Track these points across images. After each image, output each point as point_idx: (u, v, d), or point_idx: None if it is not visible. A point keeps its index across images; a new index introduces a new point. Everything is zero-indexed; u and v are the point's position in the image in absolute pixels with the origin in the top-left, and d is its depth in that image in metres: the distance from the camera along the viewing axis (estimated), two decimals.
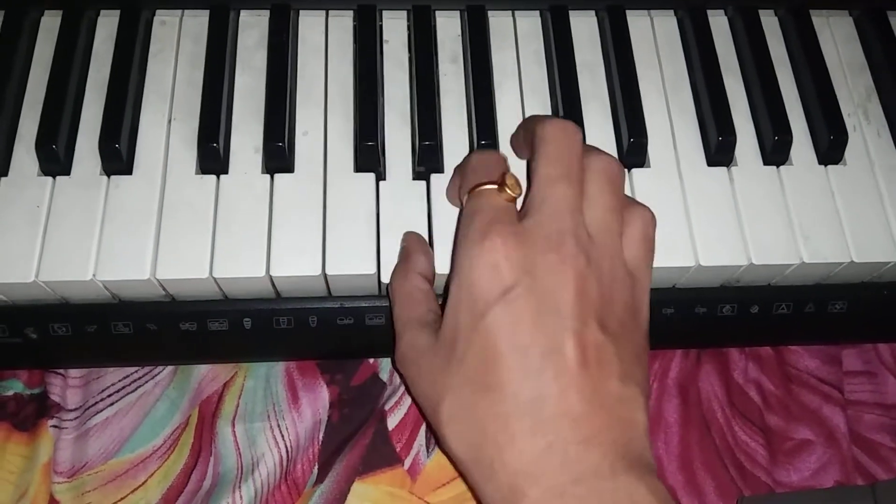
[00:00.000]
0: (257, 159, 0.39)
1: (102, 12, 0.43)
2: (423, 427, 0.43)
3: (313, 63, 0.42)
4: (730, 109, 0.41)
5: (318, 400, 0.43)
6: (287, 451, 0.42)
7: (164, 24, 0.43)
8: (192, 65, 0.42)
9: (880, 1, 0.46)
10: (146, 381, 0.44)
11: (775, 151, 0.41)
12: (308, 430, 0.43)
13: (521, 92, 0.42)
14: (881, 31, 0.45)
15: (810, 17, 0.45)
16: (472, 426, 0.31)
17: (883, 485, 0.42)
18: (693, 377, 0.46)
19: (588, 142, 0.40)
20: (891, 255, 0.39)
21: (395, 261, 0.37)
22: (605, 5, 0.44)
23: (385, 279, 0.37)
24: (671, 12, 0.45)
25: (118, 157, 0.38)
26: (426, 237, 0.38)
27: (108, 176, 0.38)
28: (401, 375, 0.36)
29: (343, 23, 0.44)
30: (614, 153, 0.41)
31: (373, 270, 0.37)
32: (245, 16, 0.44)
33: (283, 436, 0.42)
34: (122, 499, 0.41)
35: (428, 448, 0.42)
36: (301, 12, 0.44)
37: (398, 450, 0.42)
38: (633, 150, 0.40)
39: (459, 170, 0.37)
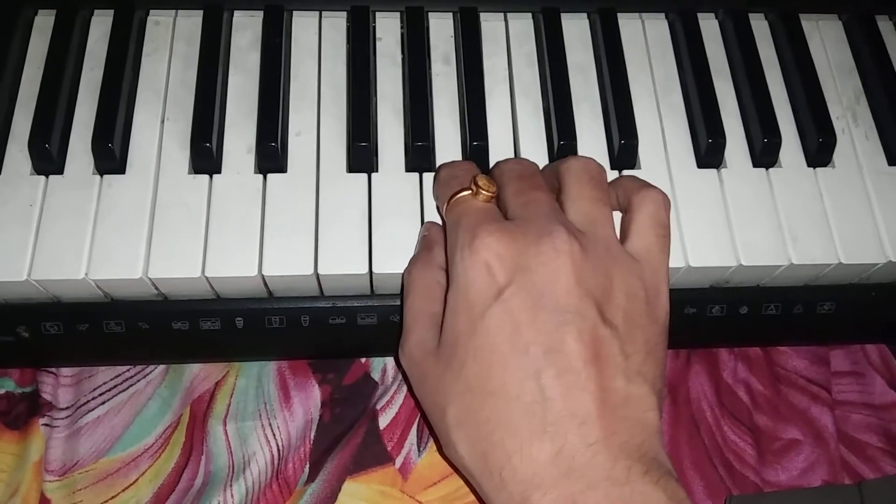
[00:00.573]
0: (250, 159, 0.39)
1: (96, 12, 0.43)
2: (415, 426, 0.43)
3: (307, 63, 0.43)
4: (719, 112, 0.42)
5: (309, 399, 0.44)
6: (278, 450, 0.42)
7: (158, 24, 0.43)
8: (185, 65, 0.42)
9: (869, 5, 0.46)
10: (138, 380, 0.44)
11: (764, 154, 0.41)
12: (299, 429, 0.43)
13: (512, 93, 0.43)
14: (870, 34, 0.45)
15: (800, 21, 0.45)
16: (479, 433, 0.30)
17: (869, 484, 0.42)
18: (683, 377, 0.46)
19: (579, 144, 0.41)
20: (878, 256, 0.39)
21: (387, 261, 0.37)
22: (596, 8, 0.45)
23: (377, 279, 0.38)
24: (662, 15, 0.46)
25: (111, 156, 0.38)
26: (418, 228, 0.38)
27: (101, 175, 0.39)
28: (401, 370, 0.35)
29: (336, 23, 0.44)
30: (605, 155, 0.41)
31: (365, 270, 0.37)
32: (238, 16, 0.44)
33: (274, 435, 0.43)
34: (113, 497, 0.41)
35: (419, 447, 0.43)
36: (294, 13, 0.44)
37: (389, 449, 0.42)
38: (624, 152, 0.40)
39: (435, 186, 0.37)
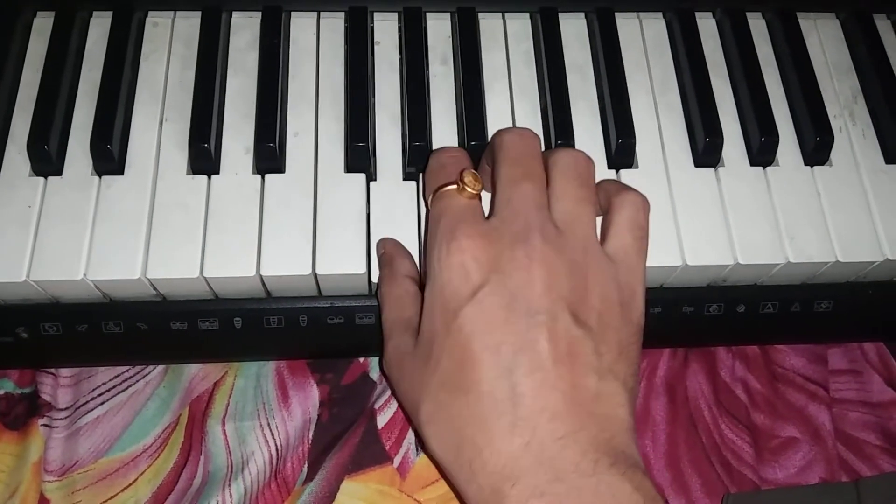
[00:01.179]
0: (248, 160, 0.40)
1: (95, 13, 0.43)
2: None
3: (305, 64, 0.43)
4: (717, 111, 0.42)
5: (308, 399, 0.44)
6: (277, 450, 0.42)
7: (157, 25, 0.43)
8: (184, 66, 0.42)
9: (867, 3, 0.46)
10: (137, 381, 0.44)
11: (762, 152, 0.41)
12: (298, 429, 0.43)
13: (510, 92, 0.43)
14: (867, 33, 0.45)
15: (797, 20, 0.45)
16: (451, 428, 0.31)
17: (866, 481, 0.42)
18: (680, 376, 0.46)
19: (577, 143, 0.41)
20: (875, 254, 0.40)
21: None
22: (594, 7, 0.45)
23: (375, 279, 0.38)
24: (660, 14, 0.46)
25: (110, 157, 0.38)
26: (416, 236, 0.38)
27: (100, 176, 0.39)
28: (387, 378, 0.36)
29: (334, 24, 0.44)
30: (602, 153, 0.41)
31: (363, 270, 0.37)
32: (237, 17, 0.44)
33: (272, 434, 0.43)
34: (112, 497, 0.41)
35: (417, 446, 0.43)
36: (293, 14, 0.44)
37: (388, 448, 0.43)
38: (622, 151, 0.41)
39: (423, 174, 0.37)
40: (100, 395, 0.43)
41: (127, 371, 0.44)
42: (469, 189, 0.33)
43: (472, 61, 0.42)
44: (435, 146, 0.41)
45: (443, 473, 0.32)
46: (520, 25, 0.45)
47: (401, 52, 0.43)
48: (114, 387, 0.44)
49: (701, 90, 0.42)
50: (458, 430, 0.30)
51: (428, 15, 0.45)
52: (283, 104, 0.41)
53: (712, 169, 0.41)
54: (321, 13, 0.44)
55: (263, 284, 0.38)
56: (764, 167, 0.41)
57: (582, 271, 0.32)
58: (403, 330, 0.35)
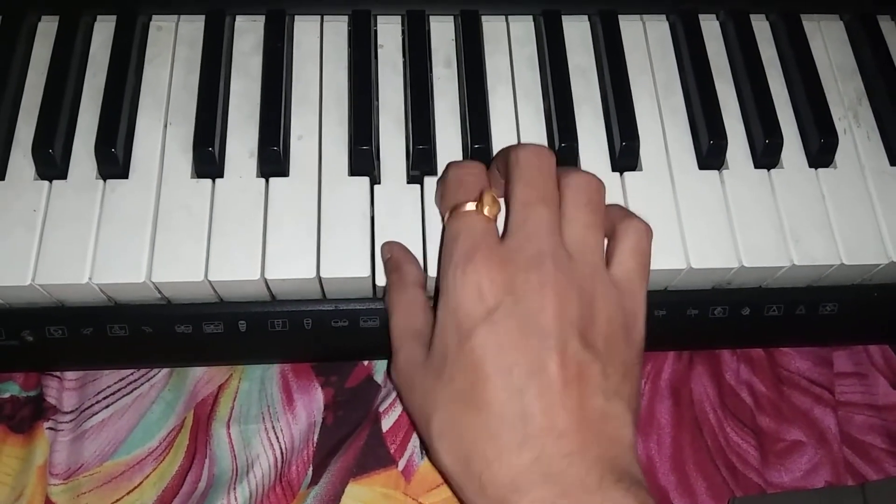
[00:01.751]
0: (252, 163, 0.40)
1: (99, 17, 0.43)
2: None
3: (308, 68, 0.43)
4: (721, 113, 0.42)
5: (312, 402, 0.44)
6: (282, 453, 0.42)
7: (161, 29, 0.43)
8: (188, 69, 0.42)
9: (871, 5, 0.46)
10: (142, 384, 0.44)
11: (766, 155, 0.41)
12: (303, 432, 0.43)
13: (514, 95, 0.43)
14: (871, 35, 0.45)
15: (801, 22, 0.45)
16: (461, 441, 0.32)
17: (872, 485, 0.42)
18: (685, 379, 0.46)
19: (580, 145, 0.41)
20: (880, 257, 0.39)
21: None
22: (597, 10, 0.45)
23: (380, 282, 0.38)
24: (663, 17, 0.46)
25: (114, 161, 0.38)
26: (420, 239, 0.38)
27: (105, 180, 0.39)
28: (395, 387, 0.37)
29: (338, 28, 0.44)
30: (606, 156, 0.41)
31: (367, 273, 0.37)
32: (241, 21, 0.44)
33: (277, 437, 0.43)
34: (117, 500, 0.41)
35: (422, 450, 0.43)
36: (296, 17, 0.44)
37: (392, 451, 0.43)
38: (625, 154, 0.40)
39: (440, 183, 0.38)
40: (105, 398, 0.44)
41: (132, 374, 0.44)
42: (487, 212, 0.34)
43: (475, 64, 0.42)
44: (439, 149, 0.41)
45: (450, 484, 0.33)
46: (523, 28, 0.45)
47: (404, 55, 0.43)
48: (119, 390, 0.44)
49: (705, 92, 0.42)
50: (469, 444, 0.31)
51: (431, 18, 0.45)
52: (286, 108, 0.41)
53: (716, 171, 0.41)
54: (324, 17, 0.44)
55: (268, 288, 0.38)
56: (768, 169, 0.41)
57: (590, 296, 0.33)
58: (413, 339, 0.35)
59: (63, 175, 0.39)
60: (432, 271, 0.37)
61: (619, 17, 0.45)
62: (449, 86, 0.43)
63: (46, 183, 0.38)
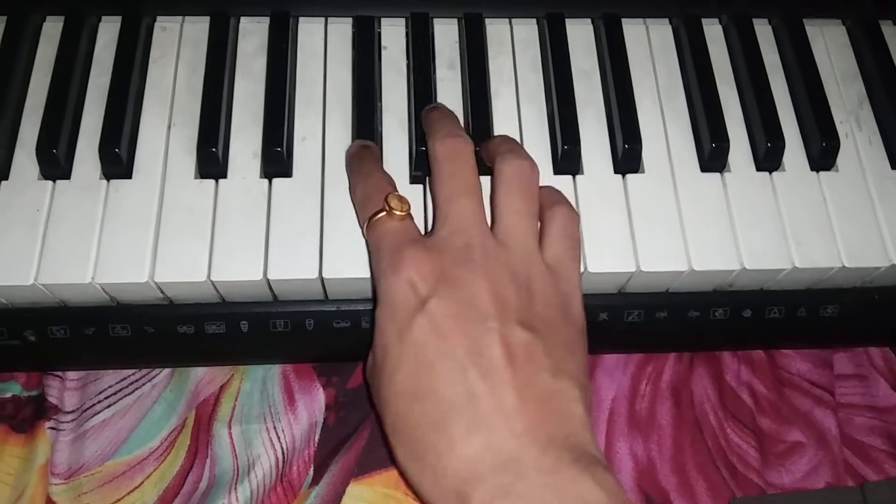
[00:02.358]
0: (256, 164, 0.40)
1: (104, 18, 0.44)
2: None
3: (312, 69, 0.43)
4: (723, 116, 0.42)
5: (314, 402, 0.44)
6: (283, 453, 0.42)
7: (165, 30, 0.44)
8: (192, 70, 0.42)
9: (873, 10, 0.47)
10: (143, 384, 0.44)
11: (768, 158, 0.41)
12: (304, 432, 0.43)
13: (517, 98, 0.43)
14: (873, 39, 0.45)
15: (804, 26, 0.46)
16: (411, 437, 0.31)
17: (872, 485, 0.42)
18: (686, 380, 0.46)
19: (584, 148, 0.41)
20: (882, 260, 0.40)
21: None
22: (601, 13, 0.45)
23: None
24: (666, 20, 0.46)
25: (118, 161, 0.39)
26: None
27: (108, 180, 0.39)
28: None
29: (342, 30, 0.44)
30: (609, 158, 0.41)
31: (369, 274, 0.37)
32: (245, 22, 0.44)
33: (279, 438, 0.43)
34: (118, 500, 0.41)
35: None
36: (301, 19, 0.44)
37: None
38: (628, 156, 0.41)
39: (354, 204, 0.38)
40: (106, 398, 0.44)
41: (133, 374, 0.44)
42: (398, 212, 0.34)
43: (479, 66, 0.43)
44: None
45: (410, 486, 0.33)
46: (527, 31, 0.45)
47: (408, 57, 0.43)
48: (120, 390, 0.44)
49: (707, 96, 0.42)
50: (419, 438, 0.31)
51: (435, 20, 0.45)
52: (290, 109, 0.41)
53: (718, 174, 0.41)
54: (329, 19, 0.44)
55: (270, 288, 0.38)
56: (770, 172, 0.41)
57: (525, 280, 0.33)
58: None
59: (67, 175, 0.39)
60: None
61: (623, 20, 0.45)
62: (452, 88, 0.43)
63: (50, 183, 0.39)
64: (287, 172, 0.39)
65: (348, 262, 0.37)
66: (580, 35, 0.45)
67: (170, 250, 0.37)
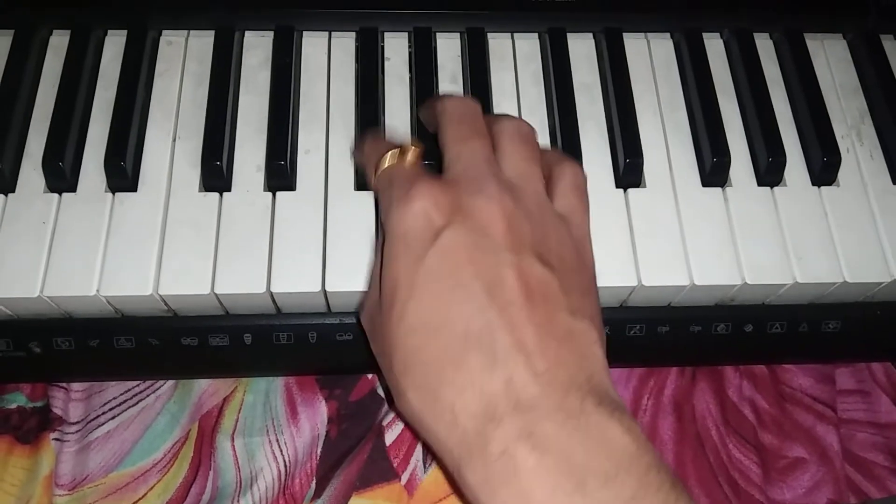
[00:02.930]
0: (260, 177, 0.40)
1: (110, 32, 0.44)
2: (421, 443, 0.43)
3: (316, 83, 0.43)
4: (724, 131, 0.42)
5: (316, 415, 0.44)
6: (285, 466, 0.42)
7: (171, 44, 0.44)
8: (197, 84, 0.43)
9: (874, 24, 0.47)
10: (147, 395, 0.44)
11: (769, 172, 0.41)
12: (306, 445, 0.43)
13: (519, 112, 0.43)
14: (874, 54, 0.46)
15: (805, 40, 0.46)
16: (427, 373, 0.29)
17: (874, 502, 0.42)
18: (688, 395, 0.46)
19: (585, 162, 0.41)
20: (883, 275, 0.40)
21: None
22: (602, 28, 0.45)
23: None
24: (667, 35, 0.46)
25: (123, 174, 0.39)
26: None
27: (113, 193, 0.39)
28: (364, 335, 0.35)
29: (345, 44, 0.45)
30: (610, 173, 0.41)
31: None
32: (249, 36, 0.44)
33: (281, 450, 0.43)
34: None
35: (425, 463, 0.43)
36: (304, 33, 0.45)
37: (395, 465, 0.43)
38: (630, 170, 0.41)
39: (359, 157, 0.38)
40: (111, 409, 0.44)
41: (137, 386, 0.44)
42: (409, 156, 0.34)
43: (481, 80, 0.43)
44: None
45: (420, 434, 0.31)
46: (529, 45, 0.45)
47: (411, 71, 0.44)
48: (124, 401, 0.44)
49: (708, 110, 0.42)
50: (436, 373, 0.29)
51: (438, 35, 0.45)
52: (294, 122, 0.41)
53: (720, 189, 0.41)
54: (332, 33, 0.45)
55: (273, 301, 0.38)
56: (771, 187, 0.42)
57: (538, 218, 0.32)
58: (374, 282, 0.34)
59: (73, 188, 0.39)
60: None
61: (624, 35, 0.45)
62: None
63: (56, 195, 0.39)
64: (291, 186, 0.40)
65: (351, 276, 0.37)
66: (582, 49, 0.45)
67: (174, 263, 0.37)
